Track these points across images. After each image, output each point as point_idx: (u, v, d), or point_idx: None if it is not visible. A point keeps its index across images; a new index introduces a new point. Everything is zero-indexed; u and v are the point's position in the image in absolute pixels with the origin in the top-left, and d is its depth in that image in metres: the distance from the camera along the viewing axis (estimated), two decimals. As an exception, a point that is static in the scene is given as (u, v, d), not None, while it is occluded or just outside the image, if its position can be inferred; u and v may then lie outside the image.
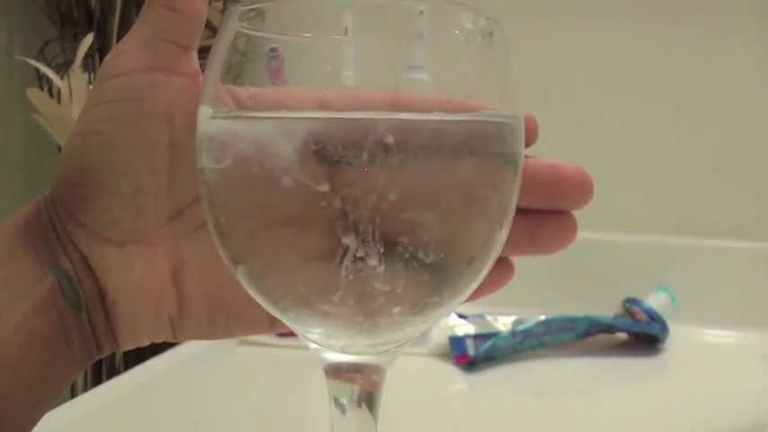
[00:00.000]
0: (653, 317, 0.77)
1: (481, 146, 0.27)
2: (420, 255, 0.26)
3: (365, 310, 0.27)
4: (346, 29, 0.28)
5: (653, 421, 0.61)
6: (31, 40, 1.15)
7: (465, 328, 0.76)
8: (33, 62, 0.96)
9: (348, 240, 0.26)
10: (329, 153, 0.25)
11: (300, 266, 0.27)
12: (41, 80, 1.03)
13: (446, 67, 0.28)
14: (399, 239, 0.26)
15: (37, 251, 0.33)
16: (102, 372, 1.01)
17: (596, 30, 0.97)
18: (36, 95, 0.92)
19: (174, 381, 0.71)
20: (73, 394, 1.04)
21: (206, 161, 0.28)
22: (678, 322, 0.79)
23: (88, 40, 0.93)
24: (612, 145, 0.97)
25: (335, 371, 0.32)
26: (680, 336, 0.79)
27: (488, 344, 0.72)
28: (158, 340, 0.36)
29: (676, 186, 0.96)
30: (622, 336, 0.79)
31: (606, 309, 0.80)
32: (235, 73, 0.28)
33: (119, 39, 0.79)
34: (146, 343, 0.37)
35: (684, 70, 0.95)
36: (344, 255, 0.26)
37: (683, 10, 0.94)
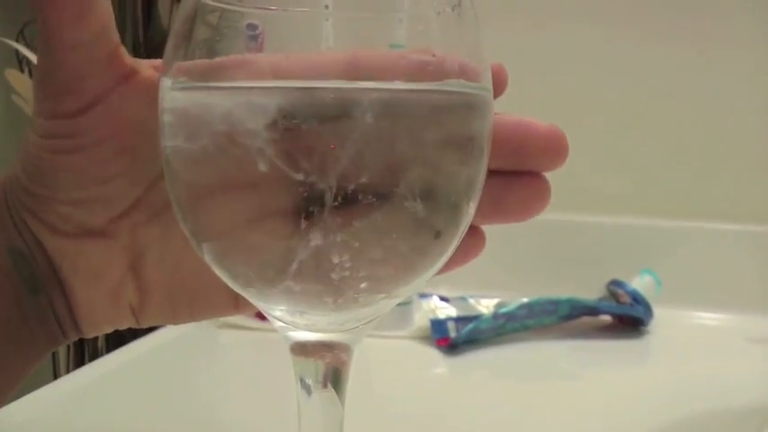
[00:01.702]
0: (637, 299, 0.76)
1: (448, 117, 0.26)
2: (386, 229, 0.26)
3: (329, 286, 0.26)
4: (326, 5, 0.27)
5: (637, 404, 0.60)
6: (11, 20, 1.14)
7: (447, 311, 0.75)
8: (13, 43, 0.95)
9: (309, 214, 0.25)
10: (289, 124, 0.24)
11: (261, 241, 0.26)
12: (21, 62, 1.02)
13: (416, 40, 0.27)
14: (362, 214, 0.25)
15: None
16: (84, 354, 1.01)
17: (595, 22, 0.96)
18: (15, 77, 0.92)
19: (155, 363, 0.70)
20: (55, 376, 1.04)
21: (165, 136, 0.27)
22: (662, 305, 0.78)
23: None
24: (597, 125, 0.96)
25: (301, 349, 0.31)
26: (664, 318, 0.78)
27: (470, 326, 0.71)
28: (122, 327, 0.36)
29: (661, 168, 0.95)
30: (606, 318, 0.78)
31: (590, 291, 0.80)
32: (204, 49, 0.27)
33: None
34: (109, 330, 0.36)
35: (670, 49, 0.94)
36: (306, 229, 0.25)
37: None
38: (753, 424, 0.55)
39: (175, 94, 0.27)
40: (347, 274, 0.26)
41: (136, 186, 0.33)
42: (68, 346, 1.05)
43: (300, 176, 0.24)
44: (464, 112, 0.27)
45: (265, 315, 0.30)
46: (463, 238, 0.29)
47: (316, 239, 0.25)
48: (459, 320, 0.74)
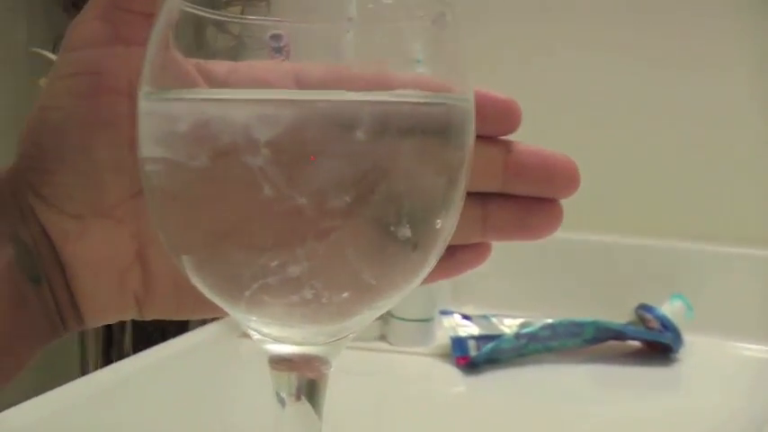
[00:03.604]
0: (666, 325, 0.74)
1: (426, 129, 0.26)
2: (359, 242, 0.25)
3: (303, 300, 0.26)
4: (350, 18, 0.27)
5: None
6: (46, 32, 1.17)
7: (468, 329, 0.74)
8: (48, 54, 0.97)
9: (284, 229, 0.25)
10: (264, 138, 0.24)
11: (237, 254, 0.26)
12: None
13: (400, 51, 0.27)
14: (338, 227, 0.25)
15: None
16: (110, 353, 1.02)
17: (599, 33, 0.94)
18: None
19: (179, 367, 0.71)
20: (83, 372, 1.06)
21: (141, 145, 0.27)
22: (695, 332, 0.76)
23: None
24: (628, 146, 0.94)
25: (277, 362, 0.31)
26: (696, 346, 0.76)
27: (490, 345, 0.70)
28: (125, 318, 0.36)
29: (695, 190, 0.93)
30: (635, 344, 0.77)
31: (618, 315, 0.78)
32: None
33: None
34: (112, 320, 0.36)
35: (701, 69, 0.92)
36: (281, 243, 0.25)
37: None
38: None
39: (152, 104, 0.27)
40: (322, 288, 0.26)
41: None
42: (97, 345, 1.07)
43: (275, 192, 0.24)
44: (445, 123, 0.27)
45: (242, 326, 0.30)
46: (467, 251, 0.32)
47: (290, 253, 0.25)
48: (481, 339, 0.73)
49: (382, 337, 0.78)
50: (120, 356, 1.00)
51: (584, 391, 0.69)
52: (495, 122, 0.33)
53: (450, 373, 0.71)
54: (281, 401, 0.31)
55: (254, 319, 0.28)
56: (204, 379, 0.69)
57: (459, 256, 0.35)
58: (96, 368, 1.00)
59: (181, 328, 1.03)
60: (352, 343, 0.81)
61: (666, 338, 0.73)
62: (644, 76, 0.94)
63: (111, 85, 0.32)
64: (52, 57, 0.96)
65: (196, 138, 0.25)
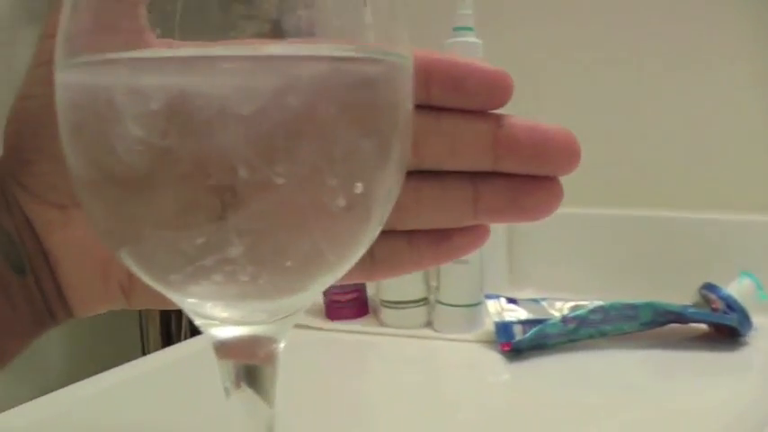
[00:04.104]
0: (732, 306, 0.68)
1: (347, 82, 0.24)
2: (290, 210, 0.23)
3: (240, 274, 0.24)
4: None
5: (725, 426, 0.53)
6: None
7: (515, 314, 0.71)
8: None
9: (208, 201, 0.23)
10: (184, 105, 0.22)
11: (169, 232, 0.24)
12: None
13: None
14: (267, 195, 0.23)
15: None
16: (170, 336, 1.05)
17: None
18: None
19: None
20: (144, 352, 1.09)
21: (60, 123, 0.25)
22: (765, 314, 0.70)
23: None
24: (688, 112, 0.88)
25: (219, 348, 0.29)
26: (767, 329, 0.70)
27: (534, 330, 0.66)
28: (113, 308, 0.36)
29: (763, 159, 0.86)
30: (700, 327, 0.71)
31: (682, 296, 0.72)
32: None
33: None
34: (100, 311, 0.36)
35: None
36: (212, 216, 0.23)
37: None
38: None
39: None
40: (256, 261, 0.24)
41: None
42: (157, 327, 1.10)
43: (193, 165, 0.22)
44: (367, 79, 0.24)
45: (182, 309, 0.28)
46: (463, 235, 0.32)
47: (219, 228, 0.23)
48: (528, 324, 0.68)
49: (428, 324, 0.75)
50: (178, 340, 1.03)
51: (641, 379, 0.64)
52: (483, 95, 0.31)
53: (495, 360, 0.67)
54: (226, 391, 0.29)
55: (191, 300, 0.26)
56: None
57: (455, 240, 0.34)
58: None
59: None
60: (397, 330, 0.80)
61: (732, 320, 0.67)
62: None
63: None
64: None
65: (107, 114, 0.23)
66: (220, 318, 0.27)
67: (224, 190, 0.22)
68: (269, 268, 0.24)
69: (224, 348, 0.29)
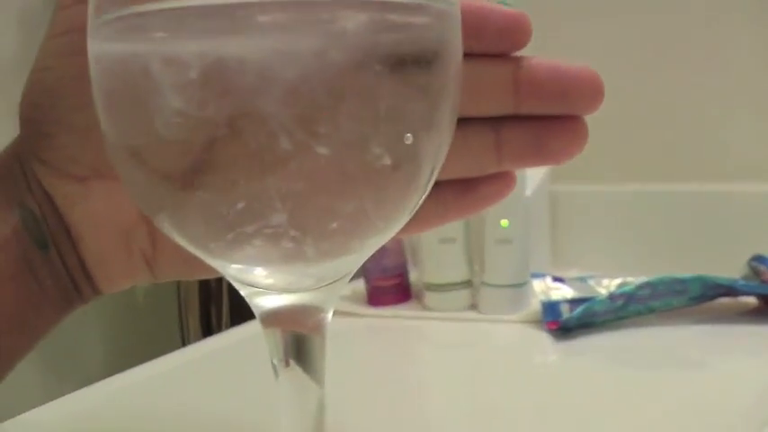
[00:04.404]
0: (783, 277, 0.67)
1: (399, 38, 0.23)
2: (337, 170, 0.23)
3: (286, 236, 0.24)
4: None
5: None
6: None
7: (561, 292, 0.70)
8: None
9: (255, 161, 0.22)
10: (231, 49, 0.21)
11: (211, 195, 0.24)
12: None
13: None
14: (313, 156, 0.22)
15: (4, 192, 0.33)
16: (211, 327, 1.05)
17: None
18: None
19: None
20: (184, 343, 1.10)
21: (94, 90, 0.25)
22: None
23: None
24: (735, 82, 0.86)
25: (266, 319, 0.28)
26: (820, 300, 0.68)
27: (581, 308, 0.65)
28: (138, 282, 0.36)
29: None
30: (750, 300, 0.69)
31: (731, 269, 0.71)
32: None
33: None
34: (126, 285, 0.36)
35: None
36: (256, 177, 0.22)
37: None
38: None
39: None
40: (303, 223, 0.23)
41: None
42: (196, 320, 1.10)
43: (244, 123, 0.22)
44: (419, 32, 0.24)
45: (227, 278, 0.28)
46: (489, 183, 0.31)
47: (265, 190, 0.23)
48: (575, 303, 0.68)
49: (473, 307, 0.75)
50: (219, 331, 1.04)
51: (690, 354, 0.62)
52: (502, 38, 0.30)
53: (542, 339, 0.66)
54: (275, 370, 0.29)
55: (235, 266, 0.26)
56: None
57: (481, 189, 0.33)
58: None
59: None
60: (441, 314, 0.79)
61: (784, 292, 0.66)
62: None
63: None
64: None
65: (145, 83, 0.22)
66: (265, 285, 0.27)
67: (264, 152, 0.22)
68: (313, 231, 0.24)
69: (270, 318, 0.28)
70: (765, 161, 0.85)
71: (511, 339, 0.68)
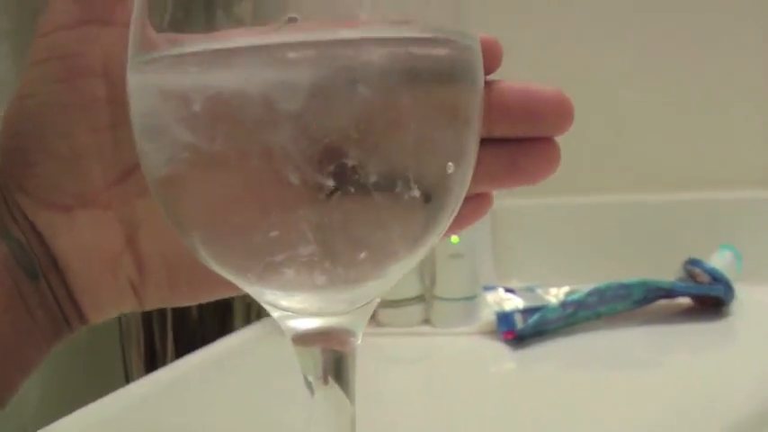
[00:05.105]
0: (716, 277, 0.72)
1: (434, 70, 0.24)
2: (374, 194, 0.24)
3: (319, 264, 0.25)
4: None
5: (721, 391, 0.56)
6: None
7: (513, 303, 0.73)
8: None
9: (295, 191, 0.23)
10: (271, 86, 0.22)
11: (248, 221, 0.25)
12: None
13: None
14: (350, 180, 0.23)
15: None
16: (155, 359, 1.03)
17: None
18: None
19: (227, 368, 0.71)
20: (127, 380, 1.07)
21: (135, 117, 0.26)
22: (745, 283, 0.74)
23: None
24: (665, 98, 0.91)
25: (300, 340, 0.29)
26: (746, 297, 0.73)
27: (536, 317, 0.68)
28: (125, 310, 0.35)
29: (735, 138, 0.90)
30: (685, 301, 0.74)
31: (667, 273, 0.75)
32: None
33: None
34: (113, 314, 0.35)
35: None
36: (292, 205, 0.23)
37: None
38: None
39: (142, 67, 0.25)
40: (336, 251, 0.25)
41: (129, 151, 0.32)
42: (140, 352, 1.08)
43: (278, 159, 0.23)
44: (451, 65, 0.25)
45: (260, 302, 0.28)
46: (466, 204, 0.29)
47: (299, 218, 0.23)
48: (527, 312, 0.71)
49: (426, 321, 0.77)
50: (165, 362, 1.01)
51: (638, 354, 0.66)
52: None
53: (499, 349, 0.69)
54: (310, 388, 0.30)
55: (270, 291, 0.27)
56: (256, 378, 0.68)
57: (459, 210, 0.34)
58: (139, 375, 1.01)
59: (223, 330, 1.03)
60: (394, 329, 0.80)
61: (717, 291, 0.71)
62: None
63: (86, 67, 0.32)
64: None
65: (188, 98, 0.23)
66: (297, 309, 0.28)
67: (300, 183, 0.23)
68: (344, 261, 0.25)
69: (303, 339, 0.29)
70: (696, 171, 0.90)
71: (467, 351, 0.71)
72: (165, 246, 0.34)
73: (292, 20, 0.25)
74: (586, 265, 0.83)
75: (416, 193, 0.24)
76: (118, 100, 0.32)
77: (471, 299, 0.75)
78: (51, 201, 0.33)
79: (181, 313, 1.08)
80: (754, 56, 0.89)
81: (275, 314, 0.29)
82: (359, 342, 0.30)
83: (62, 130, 0.32)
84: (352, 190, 0.23)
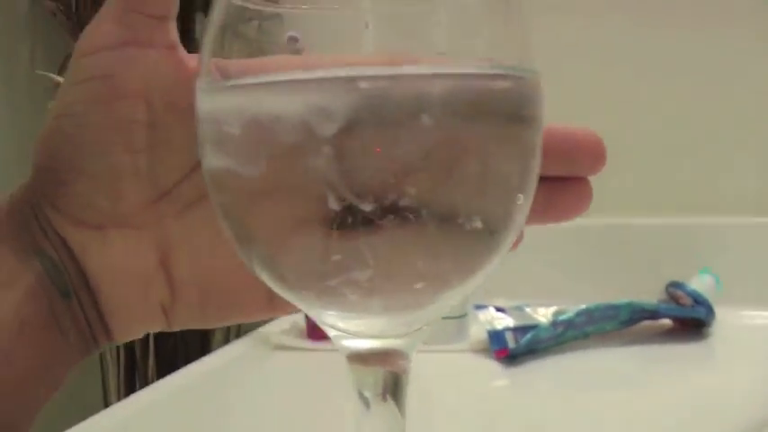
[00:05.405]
0: (698, 300, 0.75)
1: (502, 104, 0.26)
2: (438, 225, 0.25)
3: (382, 287, 0.26)
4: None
5: (702, 408, 0.59)
6: (53, 55, 1.16)
7: (504, 321, 0.75)
8: (54, 77, 0.97)
9: (358, 218, 0.24)
10: (339, 116, 0.23)
11: (311, 245, 0.25)
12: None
13: (461, 32, 0.27)
14: (416, 210, 0.24)
15: (20, 239, 0.32)
16: (135, 380, 1.01)
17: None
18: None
19: (208, 387, 0.70)
20: (106, 403, 1.05)
21: (207, 144, 0.26)
22: (723, 305, 0.77)
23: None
24: (649, 125, 0.94)
25: (358, 359, 0.30)
26: (726, 319, 0.76)
27: (529, 336, 0.70)
28: (153, 330, 0.35)
29: (714, 166, 0.93)
30: (667, 322, 0.77)
31: (649, 295, 0.78)
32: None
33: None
34: (140, 333, 0.35)
35: (727, 47, 0.92)
36: (356, 233, 0.24)
37: None
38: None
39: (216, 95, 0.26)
40: (402, 274, 0.26)
41: (165, 173, 0.33)
42: (118, 373, 1.06)
43: (341, 188, 0.24)
44: (519, 97, 0.26)
45: (317, 323, 0.29)
46: None
47: (366, 242, 0.24)
48: (518, 330, 0.73)
49: (416, 338, 0.78)
50: (145, 384, 0.99)
51: (625, 372, 0.69)
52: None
53: (491, 367, 0.71)
54: (365, 402, 0.31)
55: (330, 313, 0.28)
56: (237, 397, 0.68)
57: None
58: (119, 397, 1.00)
59: (204, 348, 1.02)
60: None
61: (700, 313, 0.74)
62: (664, 49, 0.95)
63: (126, 89, 0.32)
64: (59, 79, 0.96)
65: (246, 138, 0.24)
66: (354, 331, 0.28)
67: (360, 210, 0.24)
68: (402, 288, 0.26)
69: (361, 359, 0.30)
70: (677, 197, 0.94)
71: (459, 368, 0.73)
72: (197, 269, 0.34)
73: (293, 38, 0.26)
74: (571, 285, 0.86)
75: (480, 224, 0.25)
76: (156, 122, 0.32)
77: (461, 318, 0.76)
78: (84, 219, 0.33)
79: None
80: (735, 85, 0.92)
81: (331, 333, 0.29)
82: (412, 362, 0.30)
83: (99, 150, 0.32)
84: (418, 220, 0.24)
